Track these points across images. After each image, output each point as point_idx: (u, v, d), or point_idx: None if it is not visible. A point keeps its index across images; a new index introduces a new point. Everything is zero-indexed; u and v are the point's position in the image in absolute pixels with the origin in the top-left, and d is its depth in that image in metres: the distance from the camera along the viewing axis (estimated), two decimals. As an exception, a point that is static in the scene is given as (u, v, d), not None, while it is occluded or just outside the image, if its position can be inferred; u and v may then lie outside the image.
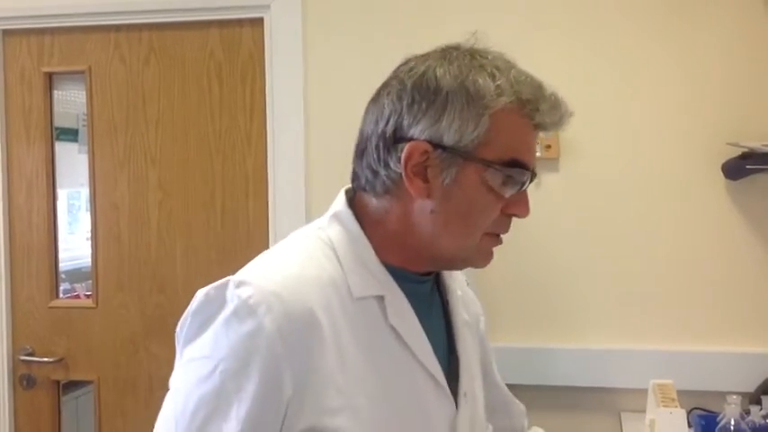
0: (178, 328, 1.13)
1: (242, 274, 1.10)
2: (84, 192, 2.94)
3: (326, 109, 2.63)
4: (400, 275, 1.18)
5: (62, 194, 3.08)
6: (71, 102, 3.06)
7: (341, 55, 2.62)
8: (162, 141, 2.82)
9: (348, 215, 1.19)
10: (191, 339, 1.10)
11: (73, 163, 3.07)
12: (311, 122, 2.64)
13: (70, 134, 3.10)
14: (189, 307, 1.12)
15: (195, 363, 1.08)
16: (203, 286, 1.12)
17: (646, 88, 2.46)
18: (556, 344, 2.50)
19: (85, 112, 2.89)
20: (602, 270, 2.50)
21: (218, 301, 1.08)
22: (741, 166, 2.32)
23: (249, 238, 2.76)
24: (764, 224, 2.43)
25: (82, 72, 2.88)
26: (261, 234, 2.73)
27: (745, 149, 2.31)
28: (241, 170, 2.77)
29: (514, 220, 1.19)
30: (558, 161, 2.49)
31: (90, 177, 2.88)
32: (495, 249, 1.20)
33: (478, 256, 1.19)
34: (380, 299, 1.15)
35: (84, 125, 2.96)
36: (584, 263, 2.51)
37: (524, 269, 2.50)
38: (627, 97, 2.48)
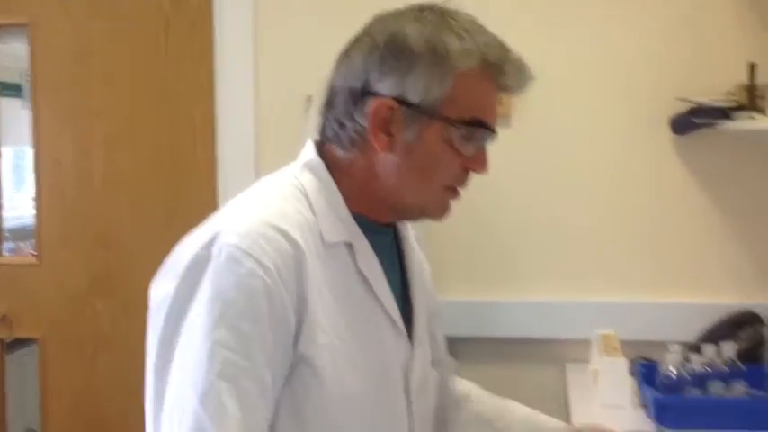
0: (162, 301, 1.10)
1: (224, 224, 1.11)
2: (30, 152, 2.86)
3: (277, 57, 2.59)
4: (365, 225, 1.22)
5: (7, 152, 3.01)
6: (13, 55, 2.97)
7: (292, 2, 2.58)
8: (107, 95, 2.76)
9: (320, 164, 1.22)
10: (185, 309, 1.07)
11: (16, 119, 3.00)
12: (261, 71, 2.60)
13: (13, 89, 3.04)
14: (171, 273, 1.10)
15: (196, 323, 1.06)
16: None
17: (594, 43, 2.47)
18: (501, 297, 2.52)
19: (28, 66, 2.81)
20: (546, 224, 2.51)
21: (205, 259, 1.08)
22: (688, 121, 2.34)
23: (196, 190, 2.68)
24: (709, 178, 2.46)
25: (24, 25, 2.78)
26: (208, 186, 2.66)
27: (694, 105, 2.34)
28: (188, 121, 2.71)
29: None
30: (509, 117, 2.48)
31: (34, 133, 2.80)
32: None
33: (436, 209, 1.24)
34: (349, 246, 1.19)
35: (27, 80, 2.88)
36: (528, 217, 2.52)
37: (469, 224, 2.49)
38: (575, 52, 2.48)
